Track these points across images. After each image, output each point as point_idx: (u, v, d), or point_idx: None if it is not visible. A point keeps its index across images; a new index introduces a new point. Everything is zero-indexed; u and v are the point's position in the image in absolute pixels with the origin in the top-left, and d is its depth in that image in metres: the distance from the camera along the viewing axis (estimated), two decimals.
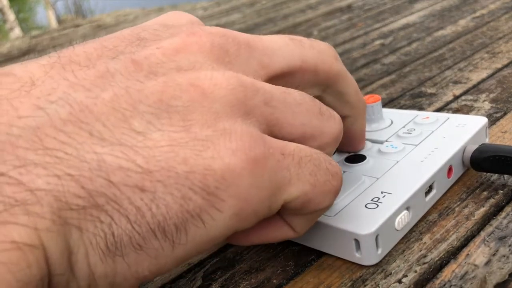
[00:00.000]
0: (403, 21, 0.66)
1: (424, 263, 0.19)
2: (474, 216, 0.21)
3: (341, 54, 0.56)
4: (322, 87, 0.21)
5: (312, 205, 0.17)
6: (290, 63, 0.19)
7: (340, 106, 0.22)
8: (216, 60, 0.17)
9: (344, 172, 0.24)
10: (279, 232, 0.19)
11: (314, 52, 0.20)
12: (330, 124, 0.19)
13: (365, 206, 0.20)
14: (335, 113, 0.19)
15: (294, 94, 0.18)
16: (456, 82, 0.38)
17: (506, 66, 0.39)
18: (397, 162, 0.23)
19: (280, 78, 0.19)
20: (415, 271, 0.19)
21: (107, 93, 0.15)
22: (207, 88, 0.16)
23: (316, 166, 0.17)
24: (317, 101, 0.19)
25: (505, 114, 0.30)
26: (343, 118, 0.23)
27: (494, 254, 0.19)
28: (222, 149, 0.15)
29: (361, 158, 0.24)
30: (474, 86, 0.36)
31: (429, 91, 0.38)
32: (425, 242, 0.20)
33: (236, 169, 0.15)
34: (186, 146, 0.14)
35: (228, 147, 0.15)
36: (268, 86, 0.17)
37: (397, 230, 0.20)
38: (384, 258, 0.20)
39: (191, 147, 0.14)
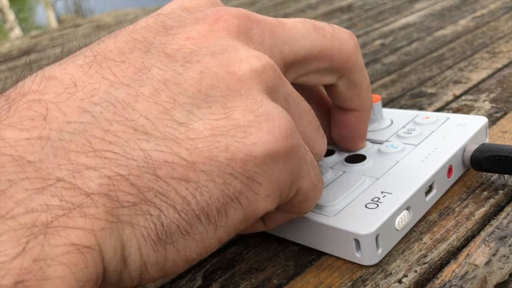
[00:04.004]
0: (403, 21, 0.66)
1: (424, 263, 0.19)
2: (474, 216, 0.21)
3: None
4: (337, 75, 0.22)
5: (303, 206, 0.19)
6: (307, 53, 0.20)
7: (351, 97, 0.23)
8: (244, 43, 0.17)
9: (344, 172, 0.24)
10: (252, 224, 0.19)
11: (335, 41, 0.20)
12: (322, 142, 0.20)
13: (365, 206, 0.20)
14: (325, 135, 0.20)
15: (305, 103, 0.19)
16: (456, 82, 0.38)
17: (506, 66, 0.39)
18: (397, 162, 0.23)
19: (295, 64, 0.20)
20: (415, 271, 0.19)
21: (147, 88, 0.15)
22: (243, 74, 0.16)
23: (319, 172, 0.19)
24: (317, 118, 0.20)
25: (505, 114, 0.30)
26: (350, 111, 0.23)
27: (494, 254, 0.19)
28: (264, 134, 0.15)
29: (361, 158, 0.24)
30: (474, 86, 0.36)
31: (429, 91, 0.38)
32: (425, 242, 0.20)
33: (275, 154, 0.15)
34: (228, 133, 0.15)
35: (271, 132, 0.15)
36: (289, 83, 0.18)
37: (397, 230, 0.20)
38: (384, 258, 0.20)
39: (233, 134, 0.15)
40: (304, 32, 0.19)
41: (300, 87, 0.20)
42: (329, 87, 0.23)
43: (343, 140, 0.25)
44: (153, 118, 0.15)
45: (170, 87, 0.15)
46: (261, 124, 0.15)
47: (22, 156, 0.13)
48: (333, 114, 0.24)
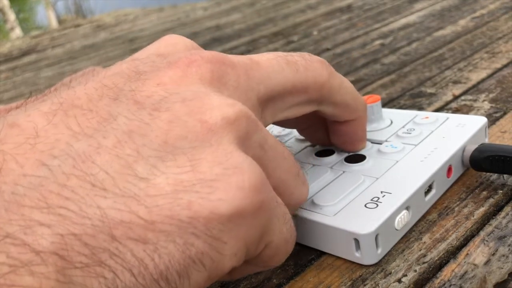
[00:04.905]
0: (403, 21, 0.66)
1: (424, 263, 0.19)
2: (473, 216, 0.21)
3: (341, 54, 0.56)
4: (316, 103, 0.21)
5: (272, 260, 0.18)
6: (281, 89, 0.19)
7: (339, 114, 0.23)
8: (218, 90, 0.17)
9: (343, 172, 0.24)
10: None
11: (308, 74, 0.20)
12: (301, 189, 0.19)
13: (365, 206, 0.20)
14: (307, 181, 0.20)
15: (283, 148, 0.18)
16: (455, 82, 0.38)
17: (505, 66, 0.39)
18: (397, 162, 0.23)
19: (270, 101, 0.19)
20: (415, 271, 0.19)
21: (110, 140, 0.14)
22: (214, 123, 0.15)
23: (291, 227, 0.18)
24: (298, 164, 0.19)
25: (504, 114, 0.31)
26: (345, 122, 0.23)
27: (493, 254, 0.19)
28: (233, 189, 0.14)
29: (361, 158, 0.24)
30: (474, 86, 0.37)
31: (428, 91, 0.38)
32: (424, 242, 0.20)
33: (243, 211, 0.14)
34: (192, 189, 0.14)
35: (240, 187, 0.14)
36: (265, 129, 0.17)
37: (396, 229, 0.20)
38: (384, 257, 0.20)
39: (197, 190, 0.14)
40: (278, 68, 0.19)
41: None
42: (316, 111, 0.22)
43: (344, 144, 0.25)
44: (114, 172, 0.14)
45: (135, 138, 0.14)
46: (229, 178, 0.14)
47: None
48: (329, 125, 0.25)
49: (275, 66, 0.19)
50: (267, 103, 0.19)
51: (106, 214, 0.13)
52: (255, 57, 0.19)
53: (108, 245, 0.13)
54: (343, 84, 0.22)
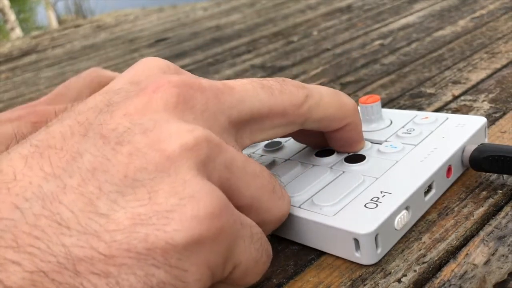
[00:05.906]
0: (403, 21, 0.66)
1: (424, 263, 0.19)
2: (473, 216, 0.21)
3: (341, 54, 0.56)
4: (298, 124, 0.22)
5: (243, 280, 0.18)
6: (256, 113, 0.20)
7: (326, 127, 0.23)
8: (182, 116, 0.17)
9: (343, 172, 0.24)
10: None
11: (283, 97, 0.20)
12: (279, 204, 0.19)
13: (365, 206, 0.20)
14: (287, 194, 0.20)
15: (255, 166, 0.18)
16: (455, 82, 0.38)
17: (505, 66, 0.39)
18: (397, 162, 0.23)
19: (246, 124, 0.20)
20: (415, 271, 0.19)
21: (75, 179, 0.15)
22: (172, 151, 0.15)
23: (261, 245, 0.18)
24: (274, 178, 0.19)
25: (504, 114, 0.31)
26: (337, 129, 0.23)
27: (493, 254, 0.19)
28: (188, 219, 0.15)
29: (361, 158, 0.24)
30: (473, 86, 0.37)
31: (428, 91, 0.38)
32: (424, 242, 0.20)
33: (200, 238, 0.15)
34: (149, 221, 0.14)
35: (195, 216, 0.15)
36: (232, 149, 0.17)
37: (396, 229, 0.20)
38: (383, 257, 0.20)
39: (153, 222, 0.14)
40: (252, 92, 0.19)
41: None
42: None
43: (341, 148, 0.25)
44: (78, 210, 0.14)
45: (97, 175, 0.15)
46: (184, 207, 0.15)
47: None
48: (323, 132, 0.25)
49: (250, 90, 0.19)
50: (243, 126, 0.19)
51: (70, 251, 0.14)
52: (229, 82, 0.20)
53: (73, 280, 0.14)
54: (323, 100, 0.22)
